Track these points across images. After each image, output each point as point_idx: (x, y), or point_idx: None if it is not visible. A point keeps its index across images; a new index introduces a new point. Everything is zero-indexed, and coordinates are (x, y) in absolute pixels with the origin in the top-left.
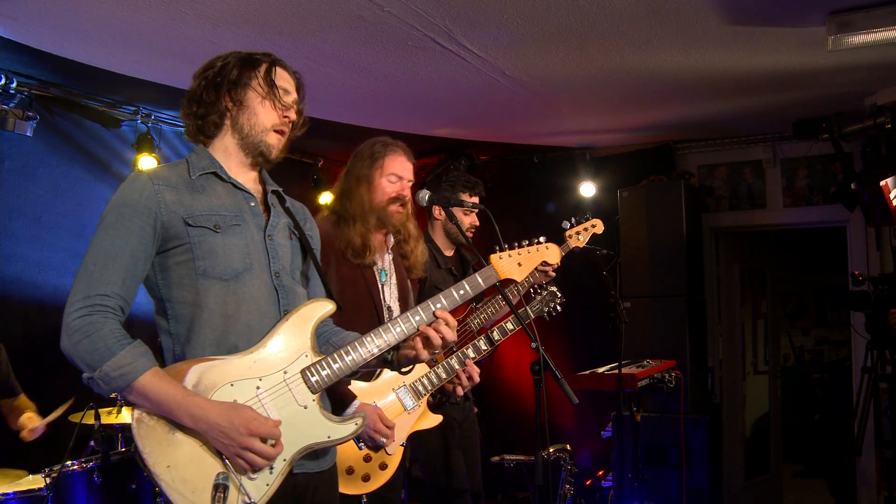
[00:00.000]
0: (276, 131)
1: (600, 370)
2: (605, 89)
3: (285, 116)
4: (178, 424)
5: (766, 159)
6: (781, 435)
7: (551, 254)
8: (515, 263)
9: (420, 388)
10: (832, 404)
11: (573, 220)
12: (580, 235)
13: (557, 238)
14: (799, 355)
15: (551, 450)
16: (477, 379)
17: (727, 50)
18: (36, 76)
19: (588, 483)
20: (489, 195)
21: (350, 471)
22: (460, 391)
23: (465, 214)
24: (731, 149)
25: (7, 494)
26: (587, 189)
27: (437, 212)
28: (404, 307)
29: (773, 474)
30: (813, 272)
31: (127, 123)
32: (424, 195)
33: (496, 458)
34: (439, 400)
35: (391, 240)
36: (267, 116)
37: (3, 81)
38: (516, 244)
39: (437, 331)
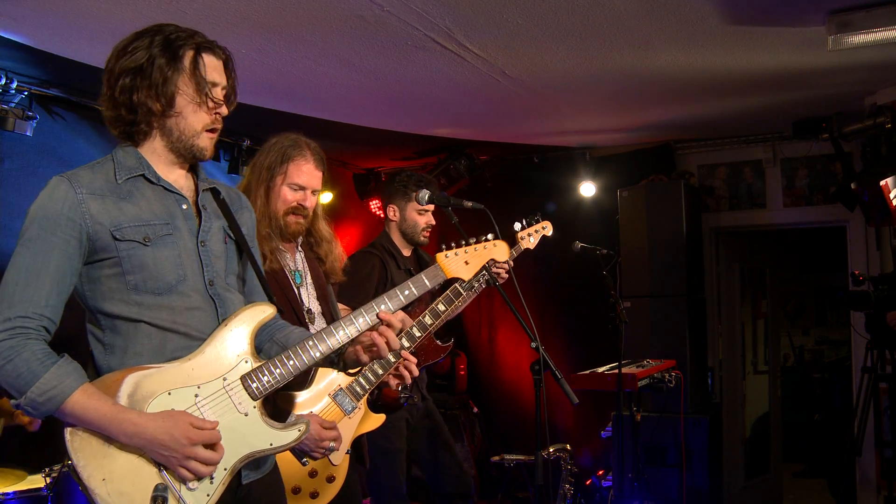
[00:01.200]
0: (208, 131)
1: (600, 370)
2: (606, 89)
3: (216, 113)
4: (120, 441)
5: (766, 159)
6: (781, 435)
7: (499, 251)
8: (462, 262)
9: (357, 388)
10: (832, 404)
11: (524, 221)
12: (531, 237)
13: (509, 240)
14: (799, 355)
15: (551, 449)
16: (416, 371)
17: (727, 50)
18: (36, 76)
19: (588, 483)
20: (489, 195)
21: (297, 490)
22: (394, 382)
23: (420, 214)
24: (731, 148)
25: (7, 494)
26: (587, 189)
27: (392, 213)
28: (325, 306)
29: (773, 474)
30: (813, 272)
31: None
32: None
33: (496, 458)
34: (392, 399)
35: (299, 238)
36: (197, 119)
37: (3, 81)
38: (463, 242)
39: (381, 335)
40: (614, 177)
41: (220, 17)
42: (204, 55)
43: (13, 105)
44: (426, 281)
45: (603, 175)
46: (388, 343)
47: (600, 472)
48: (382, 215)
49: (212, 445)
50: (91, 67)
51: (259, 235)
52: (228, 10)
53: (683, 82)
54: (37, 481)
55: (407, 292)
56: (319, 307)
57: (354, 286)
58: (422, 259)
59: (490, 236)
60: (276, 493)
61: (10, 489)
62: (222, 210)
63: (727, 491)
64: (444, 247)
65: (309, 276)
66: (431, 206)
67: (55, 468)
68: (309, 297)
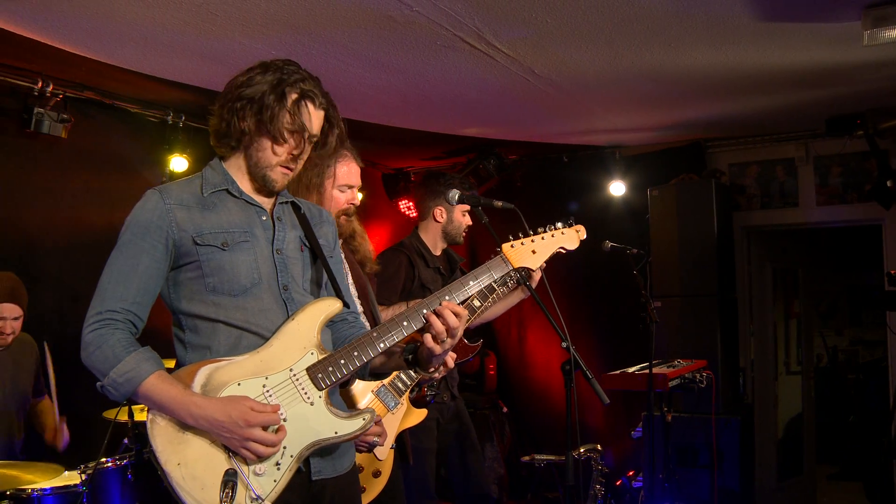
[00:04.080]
0: (282, 167)
1: (631, 370)
2: (635, 87)
3: (293, 154)
4: (188, 424)
5: (798, 157)
6: (815, 436)
7: (568, 239)
8: (529, 251)
9: (399, 384)
10: (867, 405)
11: (559, 224)
12: None
13: None
14: (833, 356)
15: (582, 450)
16: (451, 364)
17: (759, 46)
18: (70, 79)
19: (618, 483)
20: (518, 194)
21: None
22: (437, 375)
23: (464, 216)
24: (763, 147)
25: (44, 490)
26: (617, 188)
27: (439, 214)
28: (365, 304)
29: (806, 476)
30: (847, 271)
31: (158, 125)
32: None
33: (526, 458)
34: (420, 396)
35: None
36: (274, 153)
37: (39, 84)
38: (531, 231)
39: (439, 315)
40: (644, 176)
41: (249, 18)
42: (305, 101)
43: (48, 107)
44: (492, 272)
45: (633, 174)
46: (446, 325)
47: (631, 473)
48: (415, 215)
49: (274, 430)
50: (124, 70)
51: None
52: (257, 11)
53: (714, 80)
54: (73, 477)
55: (472, 282)
56: (360, 306)
57: (381, 283)
58: (451, 258)
59: (560, 224)
60: (351, 495)
61: (47, 485)
62: (301, 222)
63: (759, 493)
64: (510, 237)
65: (350, 276)
66: (468, 207)
67: (90, 465)
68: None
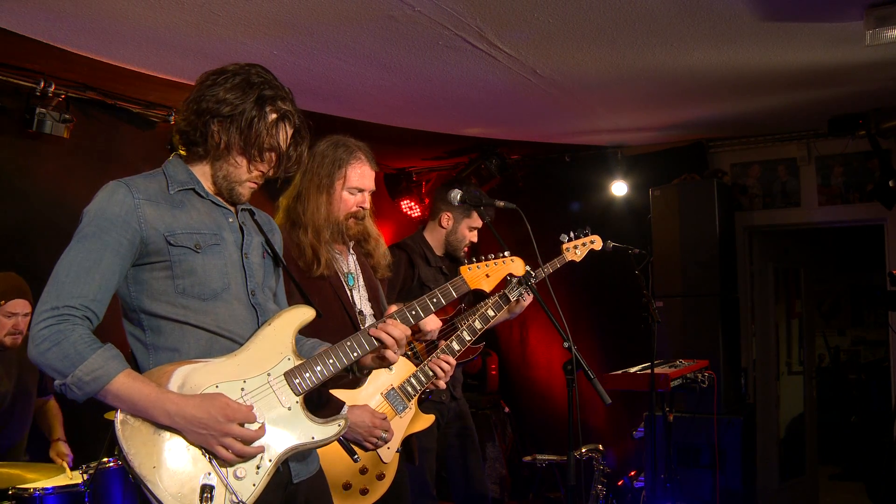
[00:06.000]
0: (251, 182)
1: (632, 370)
2: (637, 87)
3: (264, 172)
4: (162, 425)
5: (800, 157)
6: (816, 436)
7: (516, 266)
8: (483, 275)
9: (409, 389)
10: (869, 405)
11: (572, 233)
12: (577, 250)
13: (555, 250)
14: (834, 356)
15: (583, 450)
16: (442, 374)
17: (761, 46)
18: (72, 79)
19: (620, 483)
20: (520, 194)
21: (347, 486)
22: (442, 384)
23: (470, 231)
24: (765, 146)
25: (47, 489)
26: (619, 188)
27: (446, 220)
28: (376, 308)
29: (808, 476)
30: (849, 271)
31: (160, 125)
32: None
33: (528, 458)
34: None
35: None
36: (247, 171)
37: (41, 84)
38: (483, 257)
39: (385, 332)
40: (646, 176)
41: (250, 18)
42: (283, 123)
43: (51, 108)
44: (452, 291)
45: (635, 174)
46: (393, 339)
47: (632, 473)
48: (417, 215)
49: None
50: (126, 70)
51: (317, 240)
52: (259, 12)
53: (716, 80)
54: (75, 477)
55: (435, 300)
56: (371, 309)
57: None
58: (456, 261)
59: (507, 253)
60: (322, 491)
61: (49, 484)
62: (259, 228)
63: (761, 493)
64: (466, 261)
65: (361, 279)
66: (479, 224)
67: (92, 465)
68: (361, 300)
